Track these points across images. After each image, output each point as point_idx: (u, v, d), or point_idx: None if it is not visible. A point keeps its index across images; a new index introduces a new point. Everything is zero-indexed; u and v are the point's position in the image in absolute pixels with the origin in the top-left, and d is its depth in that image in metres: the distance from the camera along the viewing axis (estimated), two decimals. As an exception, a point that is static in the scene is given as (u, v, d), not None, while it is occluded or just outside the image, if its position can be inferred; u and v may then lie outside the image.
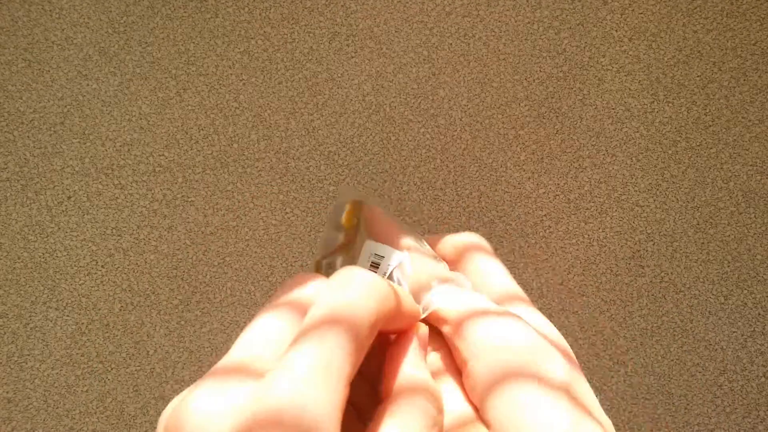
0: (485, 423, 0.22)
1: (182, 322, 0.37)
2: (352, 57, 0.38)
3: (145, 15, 0.38)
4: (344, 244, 0.26)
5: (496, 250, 0.37)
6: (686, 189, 0.37)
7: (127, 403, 0.36)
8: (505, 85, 0.38)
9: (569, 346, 0.24)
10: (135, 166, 0.38)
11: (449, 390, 0.20)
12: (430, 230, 0.37)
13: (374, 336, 0.18)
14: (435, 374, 0.22)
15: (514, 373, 0.21)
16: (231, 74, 0.38)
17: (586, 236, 0.37)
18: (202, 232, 0.37)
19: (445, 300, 0.21)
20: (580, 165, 0.38)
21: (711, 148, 0.38)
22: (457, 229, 0.38)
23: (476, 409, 0.21)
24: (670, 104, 0.38)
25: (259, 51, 0.38)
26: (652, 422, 0.36)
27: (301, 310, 0.18)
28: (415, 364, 0.19)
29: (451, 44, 0.38)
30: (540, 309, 0.37)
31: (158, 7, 0.38)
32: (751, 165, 0.38)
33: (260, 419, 0.13)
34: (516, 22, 0.38)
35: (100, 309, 0.37)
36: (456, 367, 0.22)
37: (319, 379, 0.14)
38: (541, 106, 0.38)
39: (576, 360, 0.22)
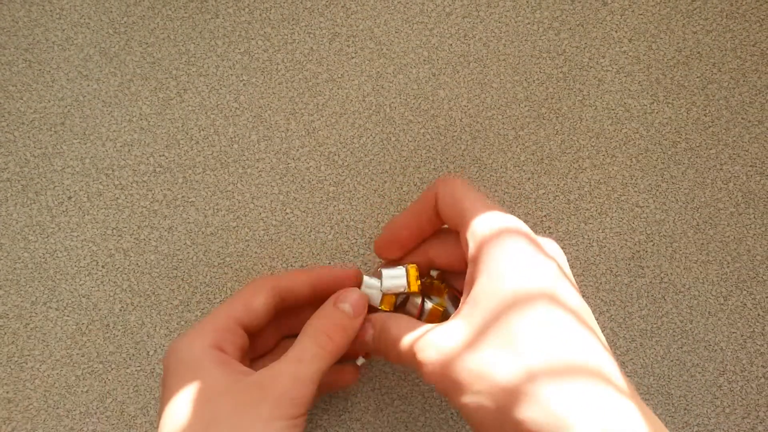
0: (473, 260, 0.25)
1: (183, 323, 0.37)
2: (353, 58, 0.38)
3: (145, 15, 0.38)
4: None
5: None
6: (686, 190, 0.37)
7: (128, 404, 0.36)
8: (505, 86, 0.38)
9: None
10: (135, 166, 0.38)
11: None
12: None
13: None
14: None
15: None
16: (231, 75, 0.38)
17: (585, 237, 0.37)
18: (202, 232, 0.37)
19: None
20: (579, 166, 0.38)
21: (711, 149, 0.38)
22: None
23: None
24: (670, 105, 0.38)
25: (259, 51, 0.38)
26: (651, 423, 0.36)
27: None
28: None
29: (451, 45, 0.38)
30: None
31: (159, 7, 0.38)
32: (750, 166, 0.38)
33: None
34: (516, 23, 0.38)
35: (100, 309, 0.37)
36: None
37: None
38: (541, 106, 0.38)
39: None
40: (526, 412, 0.20)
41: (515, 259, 0.23)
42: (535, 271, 0.23)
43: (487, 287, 0.23)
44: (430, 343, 0.24)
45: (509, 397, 0.21)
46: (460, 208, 0.27)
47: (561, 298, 0.22)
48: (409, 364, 0.25)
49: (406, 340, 0.25)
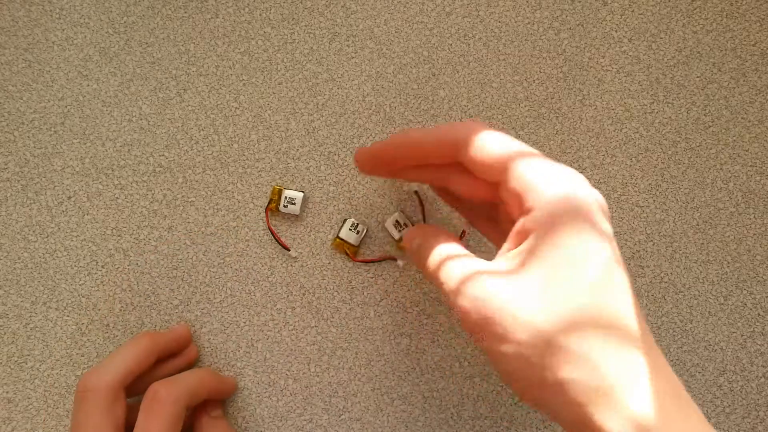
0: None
1: (182, 322, 0.37)
2: (353, 57, 0.38)
3: (145, 15, 0.38)
4: None
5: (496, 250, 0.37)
6: (686, 189, 0.37)
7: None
8: (505, 86, 0.38)
9: None
10: (135, 166, 0.38)
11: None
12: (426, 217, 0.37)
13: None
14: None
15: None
16: (231, 74, 0.38)
17: (585, 237, 0.37)
18: (202, 232, 0.37)
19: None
20: (579, 165, 0.38)
21: (711, 149, 0.38)
22: (457, 232, 0.38)
23: None
24: (670, 105, 0.38)
25: (259, 51, 0.38)
26: (651, 422, 0.36)
27: None
28: None
29: (451, 45, 0.38)
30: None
31: (159, 7, 0.38)
32: (750, 165, 0.38)
33: None
34: (516, 22, 0.38)
35: (100, 309, 0.37)
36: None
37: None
38: (540, 106, 0.38)
39: None
40: (572, 372, 0.20)
41: (583, 250, 0.22)
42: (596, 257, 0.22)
43: (549, 256, 0.22)
44: (478, 282, 0.23)
45: (553, 351, 0.21)
46: (502, 159, 0.25)
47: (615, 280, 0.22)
48: (439, 288, 0.25)
49: (449, 272, 0.25)
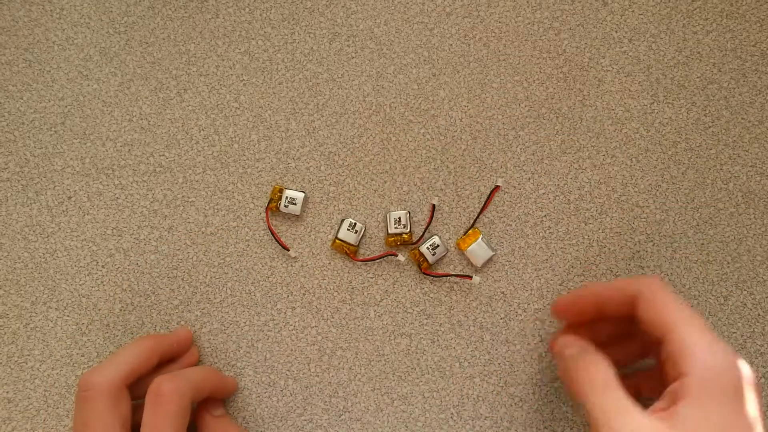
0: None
1: (182, 323, 0.37)
2: (353, 58, 0.38)
3: (145, 15, 0.38)
4: None
5: (496, 250, 0.37)
6: (686, 190, 0.37)
7: (127, 403, 0.36)
8: (505, 86, 0.38)
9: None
10: (135, 166, 0.38)
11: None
12: (429, 231, 0.37)
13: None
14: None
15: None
16: (231, 74, 0.38)
17: (586, 237, 0.37)
18: (202, 232, 0.37)
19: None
20: (580, 166, 0.38)
21: (711, 149, 0.38)
22: (457, 231, 0.38)
23: None
24: (670, 105, 0.38)
25: (259, 51, 0.38)
26: (651, 423, 0.36)
27: None
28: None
29: (451, 45, 0.38)
30: (540, 310, 0.37)
31: (159, 7, 0.38)
32: (750, 166, 0.38)
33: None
34: (516, 23, 0.38)
35: (100, 309, 0.37)
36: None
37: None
38: (541, 106, 0.38)
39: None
40: None
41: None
42: None
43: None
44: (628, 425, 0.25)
45: None
46: (667, 321, 0.27)
47: None
48: (581, 405, 0.27)
49: (600, 407, 0.26)
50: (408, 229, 0.36)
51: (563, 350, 0.30)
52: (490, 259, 0.37)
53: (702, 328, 0.27)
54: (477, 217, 0.37)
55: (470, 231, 0.37)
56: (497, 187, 0.37)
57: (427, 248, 0.36)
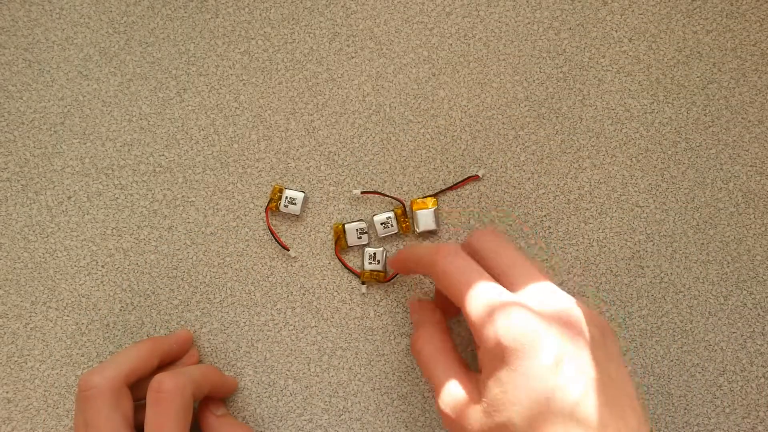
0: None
1: (182, 323, 0.37)
2: (353, 57, 0.38)
3: (145, 15, 0.38)
4: None
5: (440, 228, 0.37)
6: (686, 190, 0.37)
7: (127, 403, 0.36)
8: (505, 86, 0.38)
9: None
10: (135, 166, 0.38)
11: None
12: (430, 230, 0.37)
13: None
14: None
15: None
16: (231, 74, 0.38)
17: (585, 237, 0.37)
18: (202, 232, 0.37)
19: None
20: (579, 165, 0.38)
21: (711, 149, 0.38)
22: (457, 230, 0.38)
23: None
24: (670, 105, 0.38)
25: (259, 51, 0.38)
26: (651, 422, 0.36)
27: None
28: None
29: (451, 45, 0.38)
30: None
31: (158, 7, 0.38)
32: (750, 166, 0.38)
33: None
34: (516, 22, 0.38)
35: (100, 309, 0.37)
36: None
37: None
38: (541, 106, 0.38)
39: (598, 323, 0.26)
40: None
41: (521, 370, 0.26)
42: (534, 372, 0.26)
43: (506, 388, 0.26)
44: (449, 393, 0.28)
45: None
46: (456, 296, 0.29)
47: (558, 399, 0.25)
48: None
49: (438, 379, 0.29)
50: (382, 267, 0.36)
51: (411, 315, 0.34)
52: (430, 232, 0.37)
53: (476, 299, 0.28)
54: (443, 191, 0.37)
55: (429, 198, 0.37)
56: (475, 176, 0.37)
57: (369, 263, 0.36)
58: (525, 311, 0.26)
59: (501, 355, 0.26)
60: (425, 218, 0.36)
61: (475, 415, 0.26)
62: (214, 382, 0.33)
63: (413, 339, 0.32)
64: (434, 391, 0.29)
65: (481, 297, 0.27)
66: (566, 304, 0.27)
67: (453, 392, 0.28)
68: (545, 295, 0.27)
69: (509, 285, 0.28)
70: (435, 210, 0.36)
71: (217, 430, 0.34)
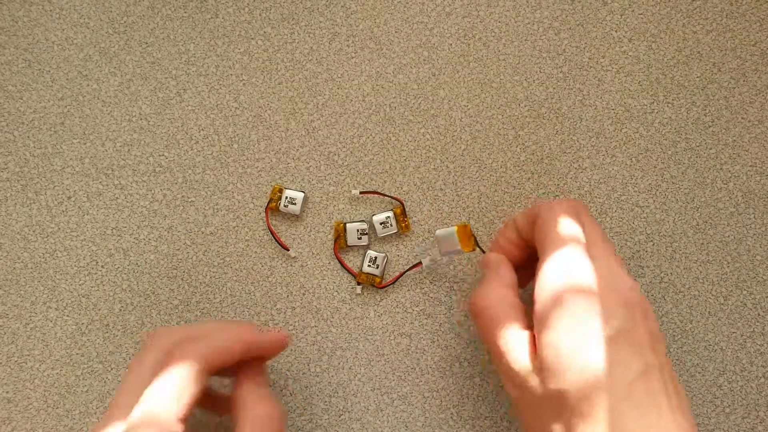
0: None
1: (182, 323, 0.37)
2: (353, 57, 0.38)
3: (145, 15, 0.38)
4: None
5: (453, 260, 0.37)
6: (686, 190, 0.37)
7: (127, 403, 0.36)
8: (505, 86, 0.38)
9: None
10: (135, 166, 0.38)
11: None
12: (429, 230, 0.37)
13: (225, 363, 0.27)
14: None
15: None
16: (231, 74, 0.38)
17: (585, 237, 0.37)
18: (202, 232, 0.37)
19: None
20: (579, 165, 0.38)
21: (711, 149, 0.38)
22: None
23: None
24: (670, 105, 0.38)
25: (259, 51, 0.38)
26: (651, 423, 0.36)
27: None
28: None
29: (451, 45, 0.38)
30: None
31: (158, 7, 0.38)
32: (750, 166, 0.38)
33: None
34: (516, 22, 0.38)
35: (100, 309, 0.37)
36: None
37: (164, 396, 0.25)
38: (540, 106, 0.38)
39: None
40: None
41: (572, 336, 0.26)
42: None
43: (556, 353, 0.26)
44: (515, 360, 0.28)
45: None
46: (543, 244, 0.29)
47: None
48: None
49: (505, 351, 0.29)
50: (380, 273, 0.36)
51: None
52: (450, 257, 0.36)
53: (560, 254, 0.27)
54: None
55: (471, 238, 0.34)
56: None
57: (368, 266, 0.36)
58: (588, 307, 0.26)
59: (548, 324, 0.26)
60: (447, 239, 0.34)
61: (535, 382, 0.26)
62: (242, 341, 0.28)
63: (476, 295, 0.30)
64: (494, 356, 0.29)
65: (561, 269, 0.27)
66: (632, 287, 0.27)
67: (520, 360, 0.27)
68: (615, 275, 0.28)
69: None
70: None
71: (248, 404, 0.28)
